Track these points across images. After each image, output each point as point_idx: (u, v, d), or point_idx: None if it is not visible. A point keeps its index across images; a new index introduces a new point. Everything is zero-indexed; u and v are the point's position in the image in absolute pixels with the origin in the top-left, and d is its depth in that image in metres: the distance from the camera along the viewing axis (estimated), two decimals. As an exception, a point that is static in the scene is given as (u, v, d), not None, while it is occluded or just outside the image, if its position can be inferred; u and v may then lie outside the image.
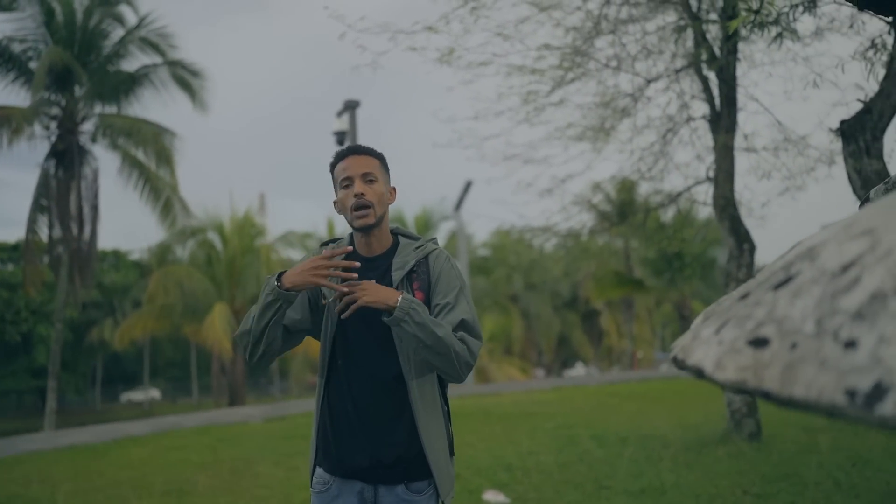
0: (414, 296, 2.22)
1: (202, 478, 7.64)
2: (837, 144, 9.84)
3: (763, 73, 9.96)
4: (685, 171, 10.06)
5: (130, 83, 20.36)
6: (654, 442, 8.42)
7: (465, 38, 7.54)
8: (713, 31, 8.81)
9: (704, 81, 9.07)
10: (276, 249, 24.66)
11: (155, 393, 44.94)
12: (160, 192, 20.14)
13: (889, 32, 6.10)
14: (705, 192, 9.73)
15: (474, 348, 2.20)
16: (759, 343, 1.02)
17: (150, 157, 19.84)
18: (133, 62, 20.44)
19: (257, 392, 45.64)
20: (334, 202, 2.35)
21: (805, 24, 11.59)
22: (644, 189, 10.96)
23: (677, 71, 9.43)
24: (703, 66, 8.95)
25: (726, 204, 8.58)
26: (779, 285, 1.11)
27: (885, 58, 6.11)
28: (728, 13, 8.03)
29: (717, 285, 51.42)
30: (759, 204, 10.41)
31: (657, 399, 13.90)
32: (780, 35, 6.20)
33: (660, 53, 9.32)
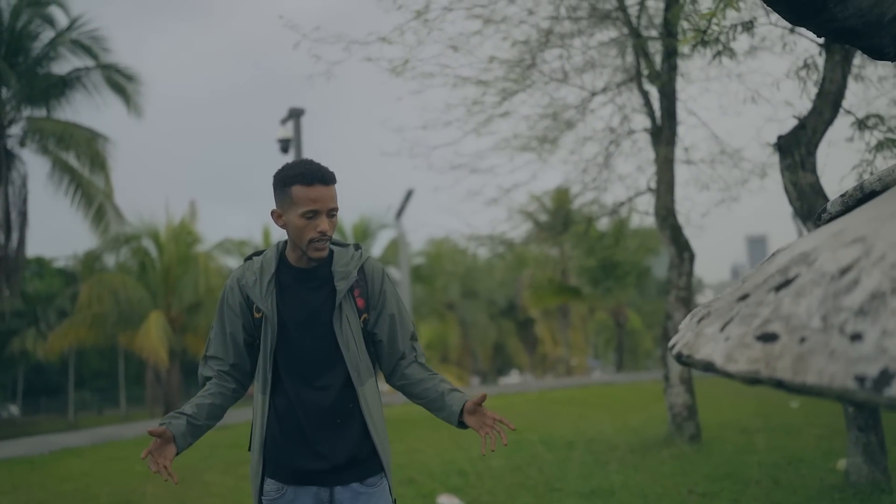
0: (355, 303, 2.32)
1: (149, 488, 7.52)
2: (770, 158, 10.34)
3: (700, 88, 10.39)
4: (627, 181, 10.38)
5: (61, 86, 19.83)
6: (600, 445, 8.65)
7: (419, 50, 7.66)
8: (654, 47, 9.14)
9: (645, 96, 9.39)
10: (214, 257, 24.30)
11: (14, 409, 41.63)
12: (92, 199, 19.65)
13: (820, 54, 6.45)
14: (646, 203, 10.06)
15: (422, 351, 2.47)
16: (769, 338, 1.14)
17: (83, 162, 19.33)
18: (64, 65, 19.97)
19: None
20: (276, 213, 2.28)
21: (740, 42, 12.11)
22: (581, 200, 11.22)
23: (619, 84, 9.74)
24: (644, 80, 9.27)
25: (667, 214, 8.89)
26: (779, 287, 1.25)
27: (816, 77, 6.44)
28: (669, 30, 8.36)
29: (651, 294, 52.67)
30: (697, 214, 10.80)
31: (597, 404, 14.21)
32: (719, 53, 6.48)
33: (603, 67, 9.61)
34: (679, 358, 1.41)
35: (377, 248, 30.41)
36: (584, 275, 28.83)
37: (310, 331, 2.27)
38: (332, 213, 2.24)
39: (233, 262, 31.41)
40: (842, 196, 2.20)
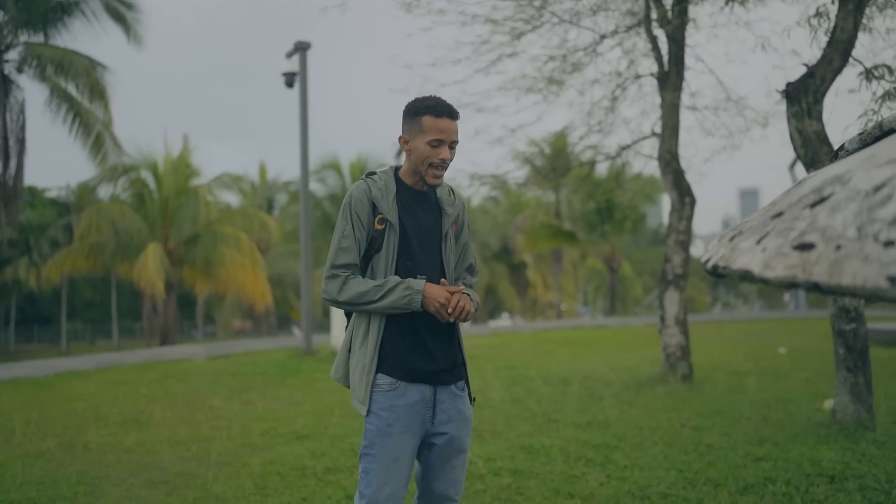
0: (451, 230, 2.65)
1: (157, 409, 7.74)
2: (774, 107, 10.41)
3: (708, 35, 10.37)
4: (631, 126, 10.44)
5: (59, 12, 19.44)
6: (595, 382, 8.90)
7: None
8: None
9: (654, 40, 9.38)
10: (212, 190, 24.29)
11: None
12: (91, 128, 19.47)
13: (833, 2, 6.48)
14: (650, 147, 10.14)
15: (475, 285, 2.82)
16: (805, 247, 1.28)
17: (82, 91, 19.12)
18: (62, -9, 19.57)
19: (181, 336, 45.09)
20: (402, 139, 2.55)
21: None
22: (585, 142, 11.28)
23: (628, 28, 9.72)
24: (654, 25, 9.26)
25: (671, 158, 8.99)
26: (814, 204, 1.39)
27: (827, 25, 6.47)
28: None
29: (643, 244, 53.02)
30: (699, 160, 10.91)
31: (591, 345, 14.48)
32: (731, -1, 6.51)
33: (612, 10, 9.58)
34: (714, 270, 1.56)
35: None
36: (581, 219, 28.96)
37: (423, 244, 2.57)
38: (453, 144, 2.52)
39: (231, 197, 31.51)
40: (860, 134, 2.33)
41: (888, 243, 1.15)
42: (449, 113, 2.50)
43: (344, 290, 2.48)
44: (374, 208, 2.54)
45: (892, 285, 1.10)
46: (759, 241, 1.43)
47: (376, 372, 2.51)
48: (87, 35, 21.07)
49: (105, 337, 44.75)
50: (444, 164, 2.51)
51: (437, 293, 2.43)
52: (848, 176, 1.40)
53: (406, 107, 2.56)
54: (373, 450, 2.45)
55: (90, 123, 19.45)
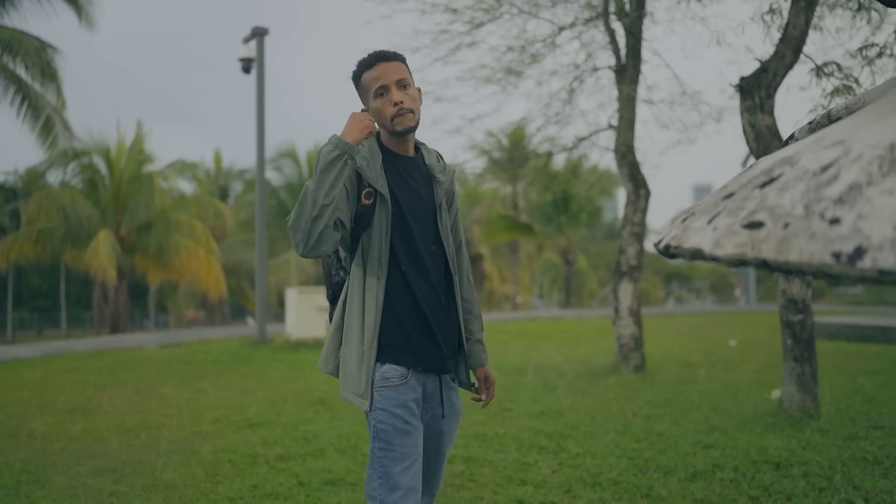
0: (443, 201, 2.38)
1: (105, 398, 7.60)
2: (728, 102, 10.59)
3: (665, 29, 10.50)
4: (588, 118, 10.52)
5: (7, -10, 18.95)
6: (549, 372, 8.97)
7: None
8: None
9: (611, 33, 9.46)
10: (166, 177, 23.87)
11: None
12: (40, 111, 18.97)
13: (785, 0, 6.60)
14: (606, 140, 10.23)
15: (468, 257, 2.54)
16: (754, 226, 1.30)
17: (33, 73, 18.61)
18: (11, -32, 19.03)
19: (132, 326, 44.35)
20: (364, 111, 2.30)
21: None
22: (543, 134, 11.34)
23: (586, 21, 9.78)
24: (612, 17, 9.34)
25: (627, 151, 9.08)
26: (764, 184, 1.41)
27: (780, 22, 6.59)
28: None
29: (600, 235, 53.55)
30: (655, 153, 11.08)
31: (545, 336, 14.60)
32: (689, -7, 6.58)
33: (571, 3, 9.63)
34: (666, 250, 1.57)
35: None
36: (537, 212, 29.13)
37: (418, 217, 2.31)
38: (401, 83, 2.27)
39: (185, 184, 30.97)
40: (809, 123, 2.37)
41: (833, 220, 1.17)
42: (381, 56, 2.29)
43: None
44: (360, 179, 2.25)
45: (837, 261, 1.12)
46: (710, 221, 1.45)
47: (378, 361, 2.24)
48: (37, 15, 20.48)
49: (53, 326, 43.76)
50: (402, 108, 2.25)
51: (357, 119, 2.18)
52: (797, 157, 1.42)
53: (351, 79, 2.37)
54: (392, 452, 2.15)
55: (40, 106, 18.94)
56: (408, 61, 2.39)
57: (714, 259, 1.37)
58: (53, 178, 24.80)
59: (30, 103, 18.84)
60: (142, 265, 22.69)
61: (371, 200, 2.24)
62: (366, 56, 2.32)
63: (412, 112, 2.28)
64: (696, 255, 1.42)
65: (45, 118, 19.07)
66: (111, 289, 21.28)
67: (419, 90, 2.38)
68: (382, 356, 2.24)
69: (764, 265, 1.25)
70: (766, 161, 1.58)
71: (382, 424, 2.17)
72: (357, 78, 2.34)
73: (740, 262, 1.32)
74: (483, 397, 2.51)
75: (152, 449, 5.34)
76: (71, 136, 19.88)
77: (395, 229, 2.27)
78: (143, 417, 6.55)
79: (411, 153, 2.38)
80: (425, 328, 2.27)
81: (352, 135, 2.15)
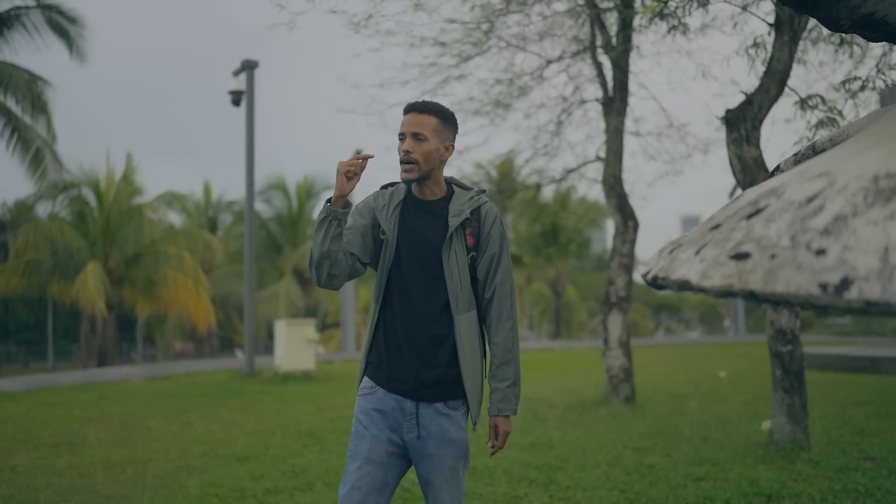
0: (465, 240, 2.53)
1: (91, 431, 7.51)
2: (714, 134, 10.71)
3: (651, 62, 10.67)
4: (577, 150, 10.61)
5: (-1, 24, 19.04)
6: (538, 404, 8.93)
7: (382, 6, 7.67)
8: (609, 19, 9.32)
9: (599, 66, 9.57)
10: (155, 209, 23.83)
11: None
12: (30, 144, 18.97)
13: (769, 33, 6.71)
14: (594, 172, 10.30)
15: (514, 305, 2.61)
16: (741, 257, 1.31)
17: (23, 105, 18.65)
18: (2, 3, 19.10)
19: (119, 358, 43.93)
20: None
21: (694, 18, 12.38)
22: (531, 166, 11.41)
23: (574, 54, 9.91)
24: (599, 51, 9.45)
25: (615, 182, 9.14)
26: (750, 216, 1.42)
27: (765, 55, 6.70)
28: (626, 1, 8.53)
29: (588, 268, 53.63)
30: (643, 185, 11.20)
31: (535, 368, 14.54)
32: (674, 27, 6.68)
33: (558, 36, 9.75)
34: (654, 282, 1.57)
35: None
36: (526, 243, 29.20)
37: (419, 256, 2.51)
38: (417, 136, 2.47)
39: (174, 216, 30.92)
40: (794, 155, 2.39)
41: (820, 252, 1.18)
42: (413, 108, 2.52)
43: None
44: (376, 219, 2.57)
45: (824, 292, 1.13)
46: (697, 252, 1.45)
47: (362, 375, 2.57)
48: (27, 49, 20.52)
49: (40, 359, 43.29)
50: (406, 158, 2.46)
51: (337, 173, 2.40)
52: (782, 189, 1.43)
53: None
54: (350, 451, 2.48)
55: (29, 139, 18.94)
56: (449, 118, 2.58)
57: (702, 290, 1.38)
58: (42, 210, 24.72)
59: (20, 136, 18.85)
60: (130, 297, 22.54)
61: (385, 236, 2.55)
62: (410, 102, 2.56)
63: (416, 164, 2.47)
64: (684, 286, 1.43)
65: (34, 150, 19.07)
66: (99, 321, 21.11)
67: (450, 147, 2.57)
68: (367, 369, 2.57)
69: (751, 296, 1.25)
70: (752, 192, 1.59)
71: (352, 426, 2.53)
72: None
73: (728, 294, 1.32)
74: (489, 444, 2.58)
75: (138, 484, 5.26)
76: (61, 169, 19.86)
77: (393, 265, 2.53)
78: (130, 451, 6.47)
79: (428, 197, 2.58)
80: (399, 355, 2.50)
81: (334, 193, 2.42)
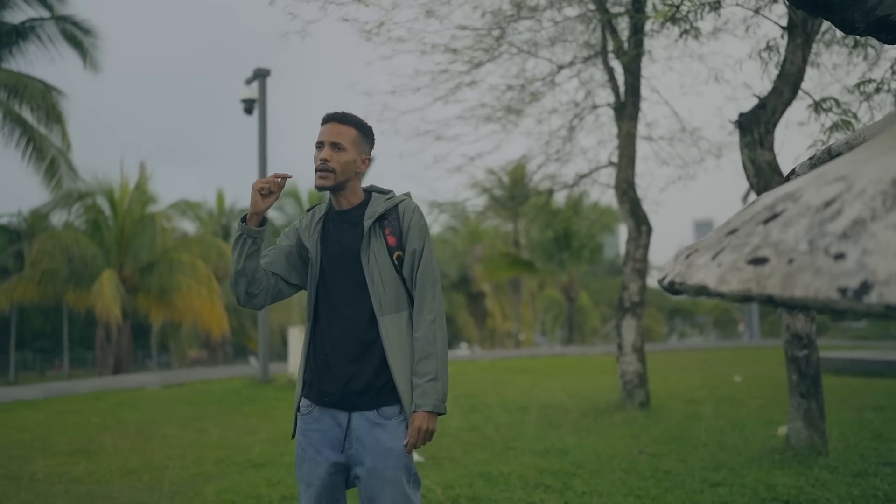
0: (386, 240, 2.49)
1: (108, 439, 7.55)
2: (727, 138, 10.67)
3: (663, 67, 10.65)
4: (588, 155, 10.61)
5: (14, 36, 19.19)
6: (553, 410, 8.91)
7: (394, 13, 7.70)
8: (620, 24, 9.31)
9: (610, 71, 9.57)
10: (169, 217, 23.97)
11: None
12: (45, 153, 19.12)
13: (782, 37, 6.68)
14: (607, 176, 10.29)
15: (438, 299, 2.53)
16: (759, 261, 1.31)
17: (38, 116, 18.81)
18: (17, 14, 19.31)
19: (134, 366, 44.14)
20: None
21: (706, 22, 12.36)
22: (543, 171, 11.41)
23: (585, 60, 9.91)
24: (610, 56, 9.45)
25: (627, 187, 9.12)
26: (767, 220, 1.42)
27: (777, 59, 6.67)
28: (637, 6, 8.53)
29: (601, 274, 53.52)
30: (655, 189, 11.25)
31: (549, 374, 14.52)
32: (686, 32, 6.67)
33: (570, 42, 9.76)
34: (671, 287, 1.57)
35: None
36: (539, 249, 29.15)
37: (341, 265, 2.49)
38: (336, 145, 2.46)
39: (188, 225, 31.10)
40: (810, 159, 2.39)
41: (838, 256, 1.18)
42: (333, 117, 2.51)
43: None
44: (300, 239, 2.60)
45: (843, 296, 1.13)
46: (714, 257, 1.45)
47: (300, 396, 2.56)
48: (42, 59, 20.70)
49: (55, 367, 43.58)
50: (323, 166, 2.46)
51: (252, 191, 2.41)
52: (799, 193, 1.43)
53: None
54: (298, 477, 2.50)
55: (44, 148, 19.09)
56: (367, 132, 2.59)
57: (719, 295, 1.38)
58: (57, 219, 24.91)
59: (35, 145, 19.00)
60: (144, 305, 22.68)
61: (311, 255, 2.57)
62: (330, 112, 2.55)
63: (333, 173, 2.46)
64: (701, 291, 1.43)
65: (49, 160, 19.22)
66: (115, 329, 21.23)
67: (368, 159, 2.57)
68: (303, 389, 2.56)
69: (769, 301, 1.25)
70: (769, 197, 1.59)
71: (295, 452, 2.54)
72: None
73: (745, 299, 1.32)
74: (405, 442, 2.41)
75: (155, 491, 5.29)
76: (75, 178, 20.02)
77: (319, 280, 2.54)
78: (146, 458, 6.50)
79: (345, 206, 2.57)
80: (328, 369, 2.47)
81: (249, 211, 2.45)
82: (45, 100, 18.54)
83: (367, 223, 2.47)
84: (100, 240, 22.01)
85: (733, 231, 1.52)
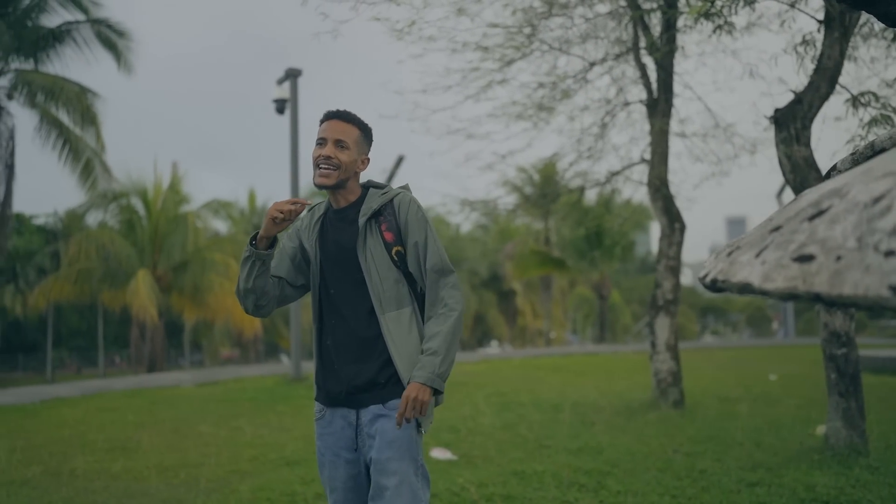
0: (382, 236, 2.46)
1: (144, 436, 7.66)
2: (762, 134, 10.54)
3: (695, 63, 10.53)
4: (620, 152, 10.53)
5: (50, 39, 19.52)
6: (586, 408, 8.87)
7: (425, 12, 7.71)
8: (652, 19, 9.24)
9: (642, 68, 9.49)
10: (202, 217, 24.24)
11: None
12: (81, 154, 19.44)
13: (819, 30, 6.58)
14: (639, 174, 10.22)
15: (453, 286, 2.46)
16: (805, 259, 1.29)
17: (74, 117, 19.14)
18: (54, 17, 19.63)
19: (168, 364, 44.63)
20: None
21: (740, 17, 12.20)
22: (575, 169, 11.36)
23: (617, 56, 9.84)
24: (642, 52, 9.37)
25: (660, 184, 9.04)
26: (812, 217, 1.39)
27: (814, 53, 6.56)
28: (669, 2, 8.45)
29: (632, 272, 53.15)
30: (688, 186, 11.10)
31: (581, 372, 14.45)
32: (720, 27, 6.59)
33: (601, 38, 9.70)
34: (713, 285, 1.56)
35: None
36: (570, 247, 29.00)
37: (340, 264, 2.48)
38: (339, 143, 2.45)
39: (220, 224, 31.40)
40: (852, 154, 2.35)
41: (889, 253, 1.16)
42: (336, 115, 2.50)
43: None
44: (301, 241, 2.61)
45: (894, 294, 1.11)
46: (758, 255, 1.43)
47: (316, 399, 2.58)
48: (77, 62, 21.02)
49: (91, 366, 44.24)
50: (327, 162, 2.43)
51: (267, 213, 2.39)
52: (846, 189, 1.41)
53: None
54: (322, 482, 2.54)
55: (80, 150, 19.42)
56: (368, 133, 2.57)
57: (764, 293, 1.36)
58: (92, 219, 25.31)
59: (70, 147, 19.33)
60: (178, 304, 22.98)
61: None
62: (331, 109, 2.54)
63: (336, 170, 2.44)
64: (745, 289, 1.41)
65: (85, 161, 19.55)
66: (149, 328, 21.54)
67: (367, 159, 2.55)
68: (316, 393, 2.58)
69: (817, 299, 1.23)
70: (813, 193, 1.57)
71: (317, 458, 2.55)
72: (320, 125, 2.54)
73: (791, 297, 1.30)
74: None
75: (192, 488, 5.35)
76: (110, 178, 20.34)
77: (321, 281, 2.54)
78: (182, 456, 6.58)
79: (342, 205, 2.55)
80: (332, 369, 2.48)
81: (260, 233, 2.45)
82: (81, 102, 18.86)
83: (361, 220, 2.46)
84: (134, 239, 22.34)
85: (777, 228, 1.50)
